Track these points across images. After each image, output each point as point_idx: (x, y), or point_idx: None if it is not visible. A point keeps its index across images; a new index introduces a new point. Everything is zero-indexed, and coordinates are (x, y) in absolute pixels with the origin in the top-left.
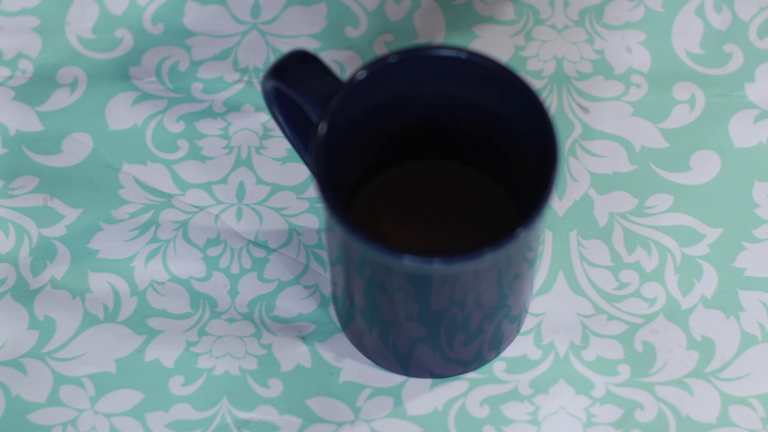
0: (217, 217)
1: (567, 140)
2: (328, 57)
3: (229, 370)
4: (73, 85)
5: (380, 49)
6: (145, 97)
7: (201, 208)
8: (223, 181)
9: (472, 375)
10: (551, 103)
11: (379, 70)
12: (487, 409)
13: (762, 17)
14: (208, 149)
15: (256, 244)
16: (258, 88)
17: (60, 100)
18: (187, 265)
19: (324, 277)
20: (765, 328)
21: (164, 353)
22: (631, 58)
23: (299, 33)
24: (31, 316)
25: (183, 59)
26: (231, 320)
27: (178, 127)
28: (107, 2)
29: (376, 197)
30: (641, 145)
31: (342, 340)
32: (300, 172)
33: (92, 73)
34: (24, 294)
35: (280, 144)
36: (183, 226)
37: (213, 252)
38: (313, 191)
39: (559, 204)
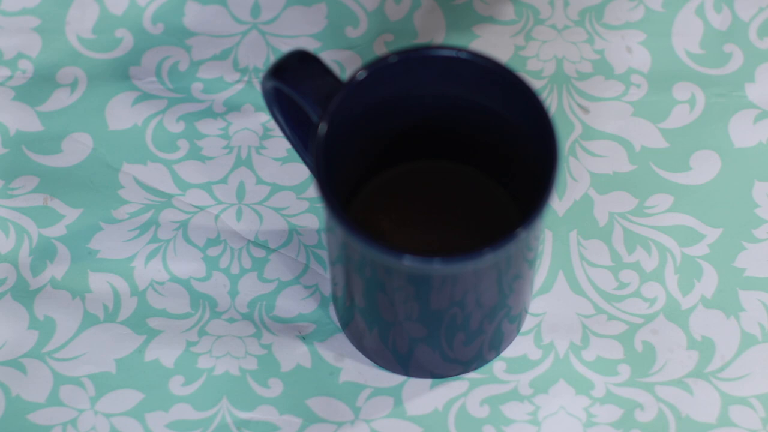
0: (217, 217)
1: (567, 140)
2: (328, 57)
3: (229, 370)
4: (73, 85)
5: (380, 49)
6: (145, 97)
7: (201, 208)
8: (223, 181)
9: (472, 375)
10: (551, 103)
11: (379, 70)
12: (487, 409)
13: (762, 17)
14: (208, 149)
15: (256, 244)
16: (258, 88)
17: (60, 100)
18: (187, 265)
19: (324, 277)
20: (765, 328)
21: (164, 353)
22: (631, 58)
23: (299, 33)
24: (31, 316)
25: (183, 59)
26: (231, 320)
27: (178, 127)
28: (107, 2)
29: (376, 197)
30: (641, 145)
31: (342, 340)
32: (300, 172)
33: (92, 73)
34: (24, 294)
35: (280, 144)
36: (183, 226)
37: (213, 252)
38: (313, 191)
39: (559, 204)
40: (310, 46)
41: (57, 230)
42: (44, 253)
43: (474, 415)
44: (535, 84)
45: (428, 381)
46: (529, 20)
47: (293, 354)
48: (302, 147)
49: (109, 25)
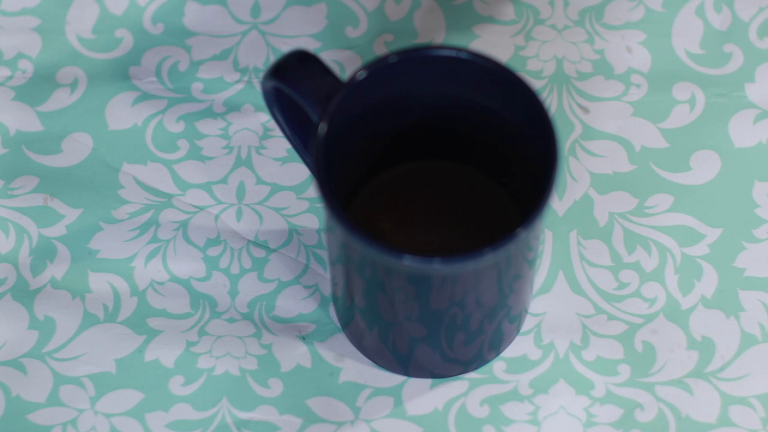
0: (217, 217)
1: (567, 140)
2: (328, 57)
3: (229, 370)
4: (73, 85)
5: (380, 49)
6: (145, 97)
7: (201, 208)
8: (223, 181)
9: (472, 375)
10: (551, 103)
11: (379, 70)
12: (487, 409)
13: (762, 17)
14: (208, 149)
15: (256, 244)
16: (258, 88)
17: (60, 100)
18: (187, 265)
19: (324, 277)
20: (765, 328)
21: (164, 353)
22: (631, 58)
23: (299, 33)
24: (31, 316)
25: (183, 59)
26: (231, 320)
27: (178, 127)
28: (107, 2)
29: (376, 197)
30: (641, 145)
31: (342, 340)
32: (300, 172)
33: (92, 73)
34: (24, 294)
35: (280, 144)
36: (183, 226)
37: (213, 252)
38: (313, 191)
39: (559, 204)
40: (310, 46)
41: (57, 230)
42: (44, 253)
43: (474, 415)
44: (535, 84)
45: (428, 381)
46: (529, 20)
47: (293, 354)
48: (302, 147)
49: (109, 25)
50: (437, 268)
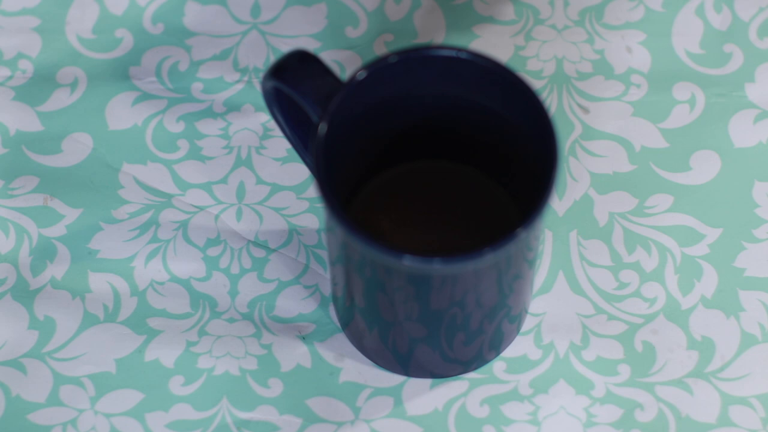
0: (217, 217)
1: (567, 140)
2: (328, 57)
3: (229, 370)
4: (73, 85)
5: (380, 49)
6: (145, 97)
7: (201, 208)
8: (223, 181)
9: (472, 375)
10: (551, 103)
11: (379, 70)
12: (487, 409)
13: (762, 17)
14: (208, 149)
15: (256, 244)
16: (258, 88)
17: (60, 100)
18: (187, 265)
19: (324, 277)
20: (765, 328)
21: (164, 353)
22: (631, 58)
23: (299, 33)
24: (31, 316)
25: (183, 59)
26: (231, 320)
27: (178, 127)
28: (107, 2)
29: (376, 197)
30: (641, 145)
31: (342, 340)
32: (300, 172)
33: (92, 73)
34: (24, 294)
35: (280, 144)
36: (183, 226)
37: (213, 252)
38: (313, 191)
39: (559, 204)
40: (310, 46)
41: (57, 230)
42: (44, 253)
43: (474, 415)
44: (535, 84)
45: (428, 381)
46: (529, 20)
47: (293, 354)
48: (302, 147)
49: (109, 25)
50: (437, 268)
